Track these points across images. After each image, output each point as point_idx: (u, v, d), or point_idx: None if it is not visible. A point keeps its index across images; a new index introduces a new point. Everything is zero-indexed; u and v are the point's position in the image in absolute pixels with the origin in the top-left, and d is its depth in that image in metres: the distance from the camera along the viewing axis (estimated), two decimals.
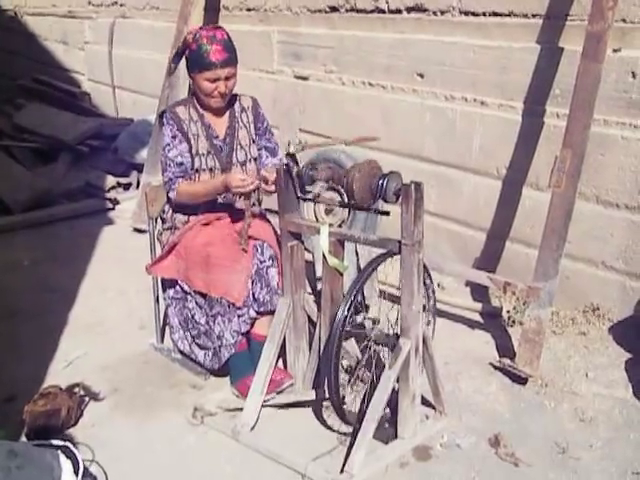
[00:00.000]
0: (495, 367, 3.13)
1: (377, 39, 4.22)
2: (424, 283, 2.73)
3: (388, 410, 2.69)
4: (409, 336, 2.50)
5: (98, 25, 7.06)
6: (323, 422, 2.76)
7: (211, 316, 2.88)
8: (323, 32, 4.57)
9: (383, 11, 4.16)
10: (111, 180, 5.58)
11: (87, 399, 2.94)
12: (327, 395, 2.55)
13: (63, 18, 7.69)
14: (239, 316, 2.85)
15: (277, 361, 3.00)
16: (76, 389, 2.87)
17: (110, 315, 3.75)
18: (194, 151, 2.99)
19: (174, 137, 2.97)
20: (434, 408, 2.80)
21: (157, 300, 3.31)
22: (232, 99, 3.09)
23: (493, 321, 3.55)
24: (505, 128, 3.61)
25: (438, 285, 3.95)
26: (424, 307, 2.76)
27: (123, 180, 5.65)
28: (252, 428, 2.70)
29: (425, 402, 2.81)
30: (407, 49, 4.04)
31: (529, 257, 3.61)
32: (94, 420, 2.84)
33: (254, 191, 2.91)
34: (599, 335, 3.33)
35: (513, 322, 3.44)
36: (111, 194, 5.49)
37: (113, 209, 5.39)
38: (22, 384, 3.03)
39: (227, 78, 2.90)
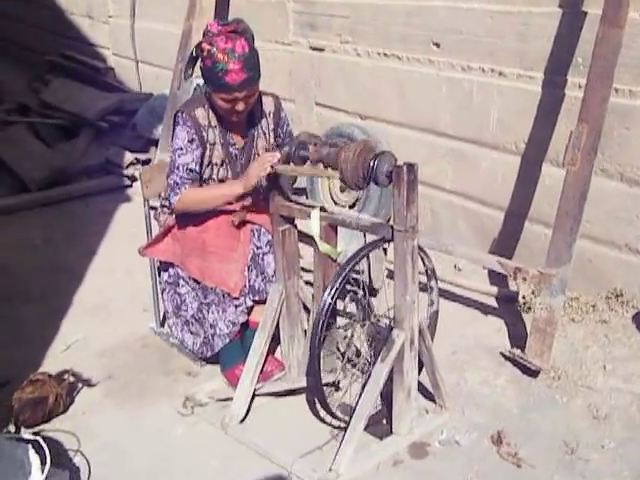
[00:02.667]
0: (505, 357, 2.95)
1: (393, 7, 3.99)
2: (423, 263, 2.58)
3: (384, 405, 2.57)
4: (403, 328, 2.34)
5: None
6: (317, 415, 2.63)
7: (205, 304, 2.77)
8: (339, 0, 4.36)
9: None
10: (129, 157, 5.50)
11: (80, 385, 2.87)
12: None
13: None
14: (236, 306, 2.72)
15: (274, 350, 2.89)
16: (65, 376, 2.79)
17: (115, 297, 3.68)
18: (207, 160, 2.76)
19: (191, 141, 2.69)
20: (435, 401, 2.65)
21: (156, 283, 3.22)
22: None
23: (508, 307, 3.36)
24: (524, 100, 3.38)
25: (455, 267, 3.77)
26: (426, 287, 2.61)
27: (141, 156, 5.55)
28: (242, 420, 2.60)
29: (427, 395, 2.67)
30: (423, 17, 3.81)
31: (548, 238, 3.38)
32: (85, 407, 2.77)
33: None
34: (621, 323, 3.11)
35: (529, 308, 3.24)
36: (129, 171, 5.41)
37: (130, 186, 5.30)
38: (19, 368, 2.94)
39: (247, 97, 2.61)
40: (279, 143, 2.87)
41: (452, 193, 3.85)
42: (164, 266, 2.99)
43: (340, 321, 2.69)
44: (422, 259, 2.59)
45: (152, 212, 3.16)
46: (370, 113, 4.25)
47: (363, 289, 2.53)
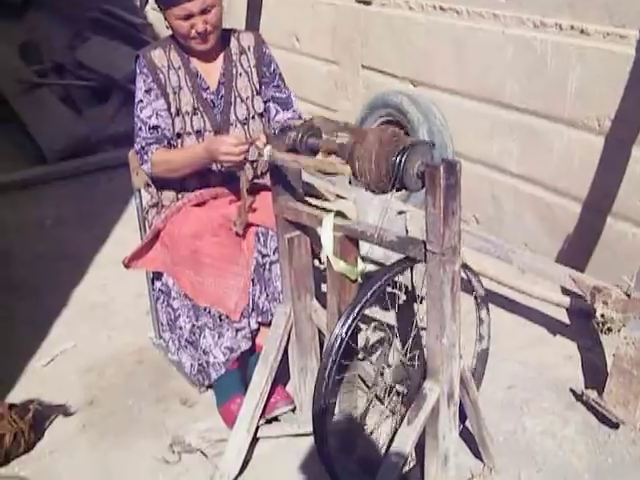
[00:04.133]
0: (577, 397, 2.33)
1: None
2: (472, 289, 1.99)
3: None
4: (438, 379, 1.75)
5: None
6: None
7: (197, 327, 2.25)
8: None
9: None
10: None
11: (54, 415, 2.41)
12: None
13: None
14: (237, 330, 2.20)
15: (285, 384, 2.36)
16: (31, 406, 2.31)
17: (118, 294, 3.20)
18: (174, 109, 2.30)
19: (148, 91, 2.29)
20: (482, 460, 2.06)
21: (154, 288, 2.71)
22: (227, 37, 2.36)
23: (583, 323, 2.71)
24: (612, 66, 2.67)
25: (518, 267, 3.12)
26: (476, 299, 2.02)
27: None
28: (236, 477, 2.07)
29: (473, 448, 2.09)
30: None
31: (638, 239, 2.73)
32: (54, 444, 2.31)
33: (252, 162, 2.22)
34: None
35: (609, 329, 2.59)
36: None
37: None
38: None
39: (204, 11, 2.17)
40: (265, 82, 2.41)
41: (518, 177, 3.18)
42: (156, 273, 2.47)
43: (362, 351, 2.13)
44: (470, 282, 1.98)
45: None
46: (423, 79, 3.59)
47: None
